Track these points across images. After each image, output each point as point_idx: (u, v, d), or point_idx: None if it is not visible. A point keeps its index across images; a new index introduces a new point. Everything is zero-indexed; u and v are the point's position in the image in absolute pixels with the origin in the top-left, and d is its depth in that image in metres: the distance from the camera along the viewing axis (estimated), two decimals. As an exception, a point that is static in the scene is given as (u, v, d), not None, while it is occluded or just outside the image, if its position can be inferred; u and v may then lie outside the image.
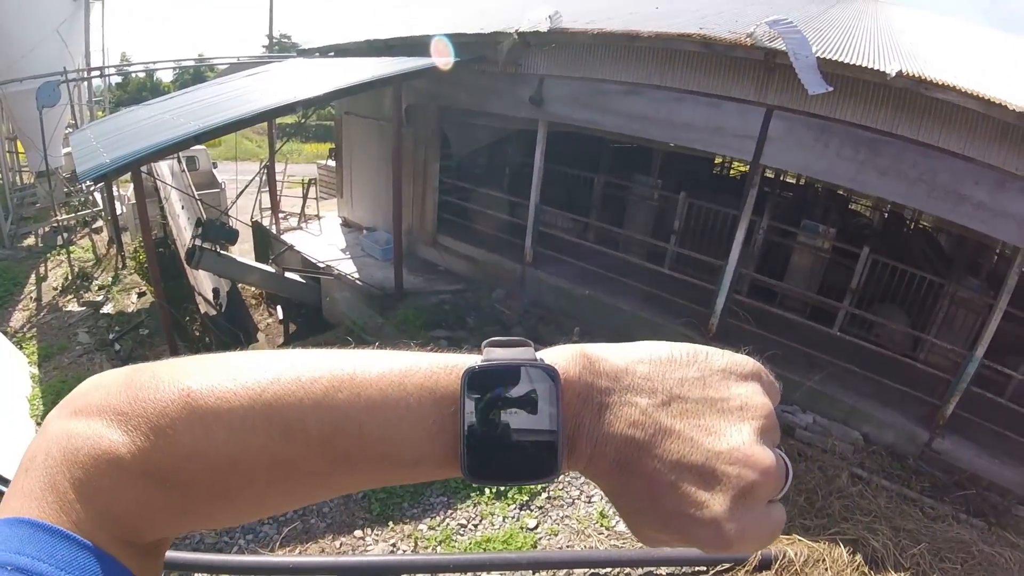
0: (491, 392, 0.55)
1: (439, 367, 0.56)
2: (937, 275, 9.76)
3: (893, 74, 6.55)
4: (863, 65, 6.81)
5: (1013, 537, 6.63)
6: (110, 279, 12.65)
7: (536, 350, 0.59)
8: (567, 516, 6.20)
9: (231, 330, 11.58)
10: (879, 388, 8.31)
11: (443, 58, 9.68)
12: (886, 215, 18.40)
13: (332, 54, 13.34)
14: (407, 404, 0.54)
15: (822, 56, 6.99)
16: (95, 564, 0.48)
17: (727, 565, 5.59)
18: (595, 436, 0.55)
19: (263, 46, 39.52)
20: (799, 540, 5.94)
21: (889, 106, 7.17)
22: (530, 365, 0.56)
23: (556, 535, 5.95)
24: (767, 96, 7.82)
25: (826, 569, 5.62)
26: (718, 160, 19.40)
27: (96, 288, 12.24)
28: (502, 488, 6.33)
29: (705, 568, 5.57)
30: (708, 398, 0.56)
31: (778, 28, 7.44)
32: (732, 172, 21.04)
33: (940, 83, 6.45)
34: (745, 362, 0.61)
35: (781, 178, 14.28)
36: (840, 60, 6.94)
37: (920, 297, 9.38)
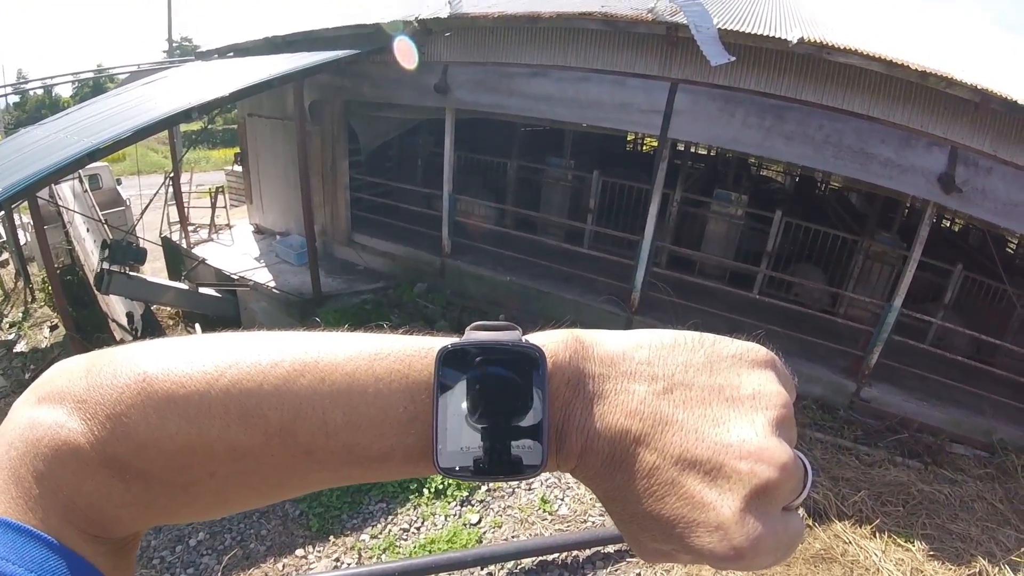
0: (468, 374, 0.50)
1: (413, 349, 0.51)
2: (851, 232, 10.14)
3: (795, 41, 6.69)
4: (764, 34, 6.94)
5: (951, 474, 6.98)
6: (20, 315, 11.92)
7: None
8: (509, 506, 6.15)
9: (147, 356, 11.05)
10: (803, 345, 8.60)
11: (342, 52, 9.42)
12: (797, 179, 19.06)
13: (231, 55, 12.78)
14: (376, 390, 0.49)
15: (723, 27, 7.07)
16: (63, 566, 0.45)
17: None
18: (587, 428, 0.49)
19: (163, 51, 37.81)
20: (739, 501, 6.06)
21: (792, 72, 7.35)
22: (513, 346, 0.50)
23: (500, 527, 5.90)
24: (671, 70, 7.89)
25: None
26: (630, 136, 19.64)
27: (7, 326, 11.51)
28: (441, 486, 6.24)
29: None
30: (716, 385, 0.50)
31: (678, 2, 7.51)
32: (645, 147, 21.32)
33: (842, 47, 6.65)
34: (758, 349, 0.54)
35: (693, 150, 14.54)
36: (741, 30, 7.05)
37: (836, 255, 9.74)
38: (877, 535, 5.82)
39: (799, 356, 8.52)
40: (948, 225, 16.72)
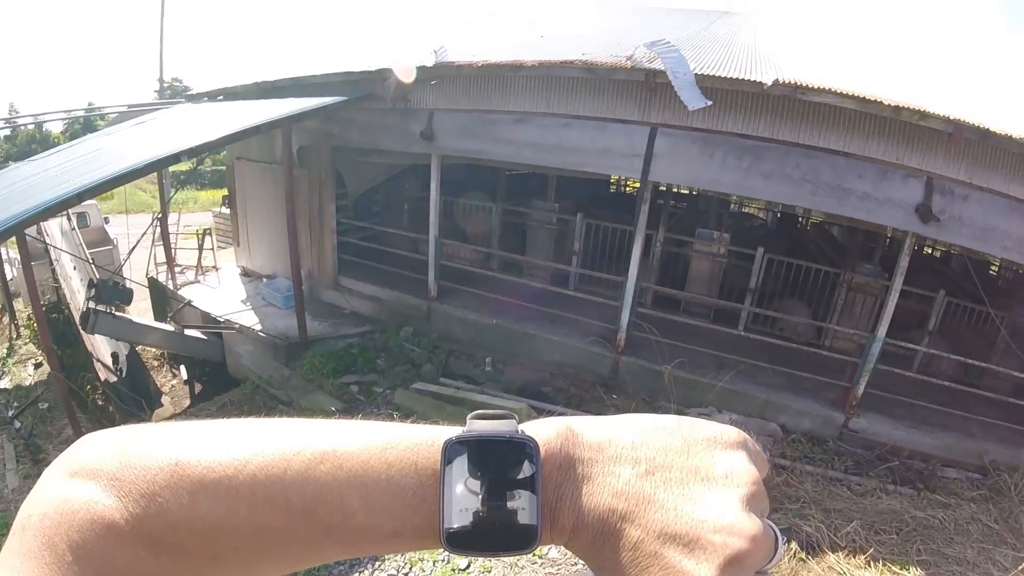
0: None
1: (420, 440, 0.57)
2: (833, 265, 10.28)
3: (770, 83, 6.87)
4: (740, 77, 7.12)
5: (944, 498, 6.96)
6: (4, 350, 11.83)
7: (520, 421, 0.59)
8: (497, 552, 6.09)
9: (133, 397, 10.98)
10: (790, 379, 8.68)
11: (330, 98, 9.57)
12: (779, 215, 19.30)
13: (221, 98, 12.92)
14: (388, 476, 0.55)
15: (700, 72, 7.26)
16: None
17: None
18: (577, 507, 0.54)
19: (155, 91, 38.01)
20: (731, 537, 6.02)
21: (768, 113, 7.54)
22: (510, 437, 0.56)
23: (489, 572, 5.83)
24: (651, 115, 8.07)
25: None
26: (614, 178, 19.84)
27: (-9, 363, 11.43)
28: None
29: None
30: (692, 466, 0.56)
31: (656, 49, 7.71)
32: (628, 189, 21.51)
33: (817, 87, 6.83)
34: (730, 431, 0.60)
35: (676, 189, 14.74)
36: (717, 75, 7.24)
37: (819, 288, 9.86)
38: (871, 564, 5.76)
39: (786, 390, 8.60)
40: (930, 252, 16.91)
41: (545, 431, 0.58)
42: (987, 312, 8.50)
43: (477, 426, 0.58)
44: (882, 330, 7.87)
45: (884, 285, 8.64)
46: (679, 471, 0.55)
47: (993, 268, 15.43)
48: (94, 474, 0.54)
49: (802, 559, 5.77)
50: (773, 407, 8.47)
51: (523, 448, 0.56)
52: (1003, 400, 8.17)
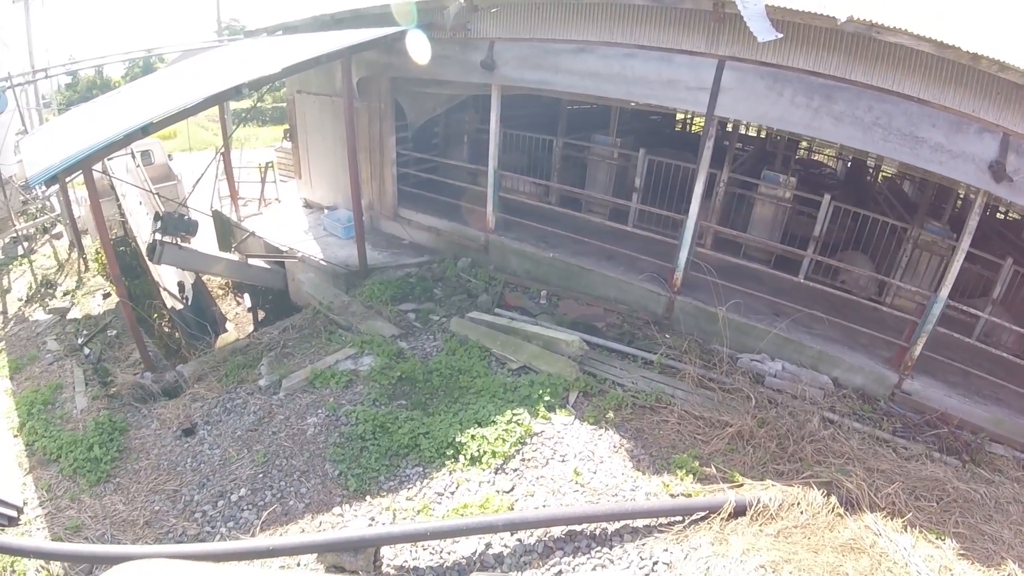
0: None
1: None
2: (900, 220, 9.88)
3: (843, 19, 6.51)
4: (812, 11, 6.74)
5: (988, 474, 6.76)
6: (74, 284, 12.38)
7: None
8: (542, 476, 6.20)
9: (199, 323, 11.42)
10: (847, 333, 8.44)
11: (389, 29, 9.51)
12: (849, 164, 18.58)
13: (280, 33, 13.01)
14: None
15: (771, 3, 6.92)
16: None
17: (702, 513, 5.63)
18: None
19: (214, 31, 38.46)
20: (772, 485, 6.00)
21: (841, 52, 7.15)
22: None
23: (532, 495, 5.95)
24: (718, 47, 7.76)
25: (801, 512, 5.67)
26: (680, 116, 19.36)
27: (61, 294, 11.96)
28: (476, 453, 6.33)
29: (681, 518, 5.61)
30: None
31: (727, -23, 7.38)
32: (693, 128, 21.00)
33: (892, 27, 6.42)
34: None
35: (744, 130, 14.28)
36: (789, 7, 6.86)
37: (884, 242, 9.50)
38: (908, 529, 5.67)
39: (841, 344, 8.38)
40: (1003, 217, 16.12)
41: None
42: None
43: None
44: (944, 291, 7.51)
45: (951, 245, 8.25)
46: None
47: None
48: None
49: (840, 515, 5.72)
50: (827, 360, 8.26)
51: None
52: None
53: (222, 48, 14.77)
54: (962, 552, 5.50)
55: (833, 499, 5.81)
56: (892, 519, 5.75)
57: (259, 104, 20.28)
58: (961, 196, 10.88)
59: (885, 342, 8.24)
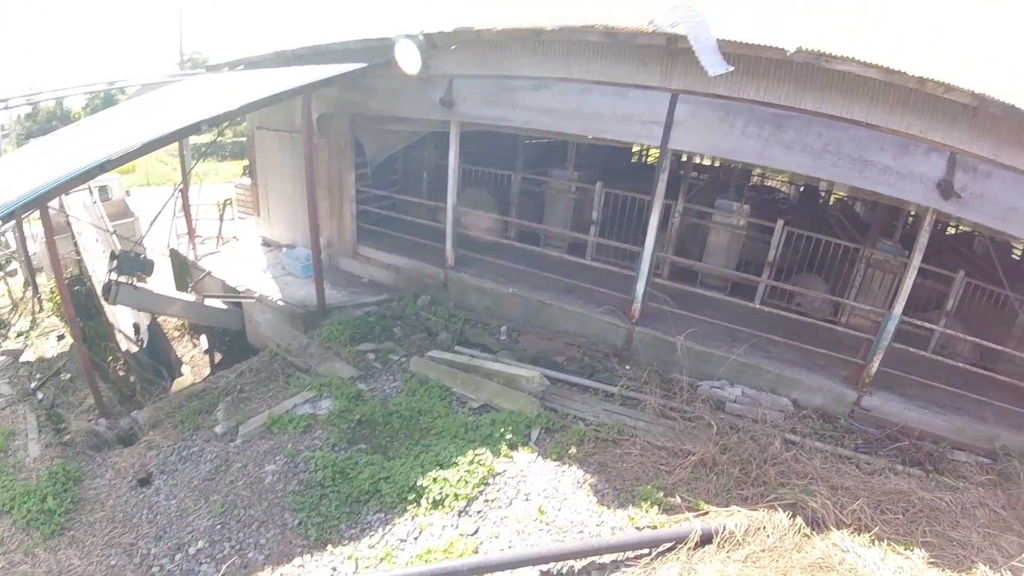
0: None
1: None
2: (853, 241, 10.13)
3: (793, 50, 6.71)
4: (762, 44, 6.94)
5: (952, 481, 6.94)
6: (28, 324, 12.04)
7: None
8: (506, 516, 6.15)
9: (154, 366, 11.15)
10: (804, 354, 8.62)
11: (349, 65, 9.52)
12: (802, 188, 19.05)
13: (241, 67, 12.95)
14: None
15: (722, 37, 7.10)
16: None
17: (669, 544, 5.63)
18: None
19: (176, 64, 38.15)
20: (738, 510, 6.05)
21: (791, 81, 7.39)
22: None
23: (497, 537, 5.89)
24: (672, 81, 7.94)
25: (767, 536, 5.72)
26: (636, 148, 19.64)
27: (14, 335, 11.62)
28: (439, 496, 6.25)
29: (648, 550, 5.60)
30: None
31: (679, 13, 7.56)
32: (650, 159, 21.33)
33: (840, 56, 6.66)
34: None
35: (698, 160, 14.55)
36: (740, 40, 7.05)
37: (838, 263, 9.73)
38: (876, 543, 5.78)
39: (799, 366, 8.54)
40: (953, 232, 16.65)
41: None
42: (1007, 295, 8.34)
43: None
44: (898, 308, 7.75)
45: (903, 262, 8.52)
46: None
47: (1016, 251, 15.17)
48: None
49: (806, 535, 5.79)
50: (786, 382, 8.40)
51: None
52: (1018, 385, 8.04)
53: (183, 82, 14.64)
54: (932, 560, 5.63)
55: (799, 520, 5.88)
56: (859, 534, 5.85)
57: (219, 139, 20.08)
58: (912, 214, 11.20)
59: (842, 361, 8.42)
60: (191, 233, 13.40)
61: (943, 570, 5.55)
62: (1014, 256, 15.16)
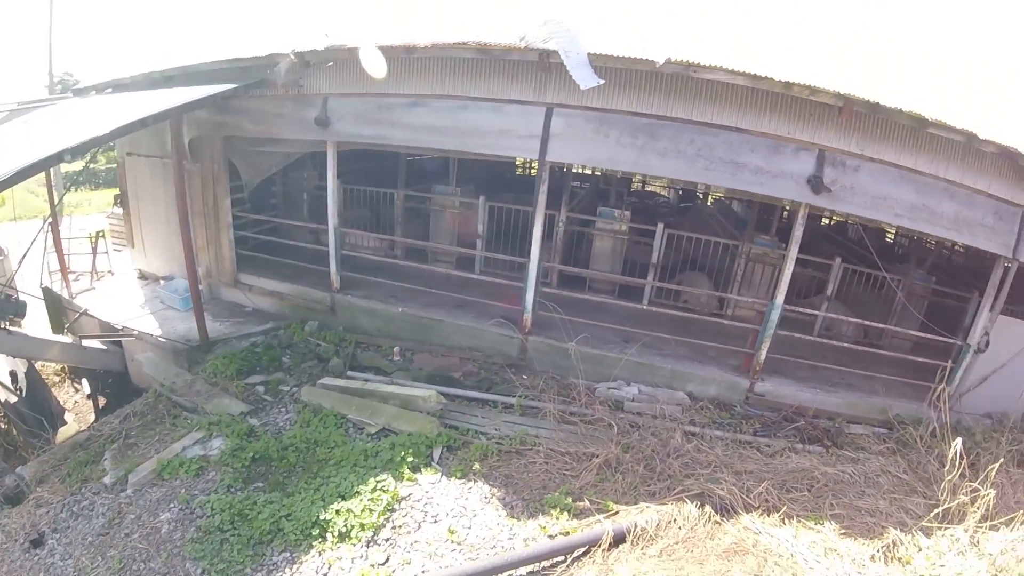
0: None
1: None
2: (732, 238, 10.66)
3: (662, 61, 6.99)
4: (633, 56, 7.19)
5: (852, 453, 7.38)
6: None
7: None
8: (416, 541, 6.05)
9: (35, 417, 10.35)
10: (695, 349, 9.02)
11: (220, 86, 9.19)
12: (680, 192, 19.88)
13: (110, 90, 12.22)
14: None
15: (593, 51, 7.32)
16: None
17: (583, 549, 5.71)
18: None
19: (45, 86, 35.65)
20: (647, 507, 6.19)
21: (662, 91, 7.73)
22: None
23: (409, 563, 5.78)
24: (546, 95, 8.13)
25: (679, 528, 5.87)
26: (520, 161, 19.89)
27: None
28: (344, 528, 6.11)
29: (563, 558, 5.65)
30: None
31: (549, 28, 7.73)
32: (533, 171, 21.59)
33: (708, 65, 7.01)
34: None
35: (579, 170, 14.90)
36: (610, 54, 7.29)
37: (719, 260, 10.20)
38: (786, 521, 6.02)
39: (692, 360, 8.91)
40: (828, 222, 17.80)
41: None
42: (883, 276, 8.99)
43: None
44: (780, 297, 8.24)
45: (781, 255, 9.03)
46: None
47: (889, 236, 16.44)
48: None
49: (717, 522, 5.98)
50: (680, 377, 8.75)
51: None
52: (902, 358, 8.73)
53: (48, 108, 13.70)
54: (843, 531, 5.91)
55: (708, 508, 6.07)
56: (768, 515, 6.08)
57: (91, 166, 18.89)
58: (787, 209, 11.91)
59: (732, 352, 8.88)
60: (63, 269, 12.51)
61: (856, 539, 5.83)
62: (887, 240, 16.43)
